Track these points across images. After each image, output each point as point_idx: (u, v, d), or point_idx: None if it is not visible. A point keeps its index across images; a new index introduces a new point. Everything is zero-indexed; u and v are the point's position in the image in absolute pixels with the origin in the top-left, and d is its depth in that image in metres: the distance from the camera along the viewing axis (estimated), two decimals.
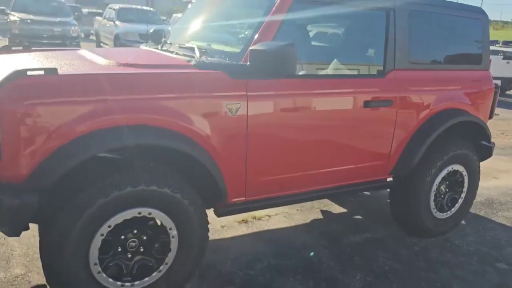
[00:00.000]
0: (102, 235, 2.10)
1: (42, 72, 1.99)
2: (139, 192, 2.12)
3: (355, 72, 3.11)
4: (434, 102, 3.23)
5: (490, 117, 3.77)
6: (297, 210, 3.89)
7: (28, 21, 12.24)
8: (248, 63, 2.38)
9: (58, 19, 12.52)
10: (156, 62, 2.58)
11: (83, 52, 2.88)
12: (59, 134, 1.97)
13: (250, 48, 2.36)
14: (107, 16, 15.27)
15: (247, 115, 2.44)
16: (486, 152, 3.66)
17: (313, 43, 3.37)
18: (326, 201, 4.11)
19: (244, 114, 2.43)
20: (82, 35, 22.13)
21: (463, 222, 3.91)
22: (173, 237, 2.31)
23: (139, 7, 16.28)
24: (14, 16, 12.50)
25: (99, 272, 2.14)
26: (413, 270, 3.06)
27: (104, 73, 2.20)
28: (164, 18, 21.84)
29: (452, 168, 3.41)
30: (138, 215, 2.17)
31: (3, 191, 1.93)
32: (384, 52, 3.01)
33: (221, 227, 3.44)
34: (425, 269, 3.08)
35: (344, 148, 2.90)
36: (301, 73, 2.73)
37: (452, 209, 3.55)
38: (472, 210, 4.18)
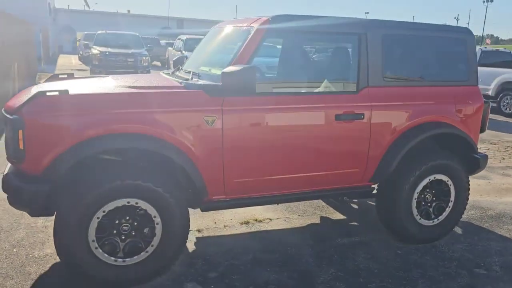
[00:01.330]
0: (98, 218, 2.71)
1: (57, 93, 2.69)
2: (127, 185, 2.72)
3: (333, 89, 3.51)
4: (412, 116, 3.52)
5: (482, 130, 3.93)
6: (298, 215, 4.28)
7: (107, 53, 13.84)
8: (221, 83, 2.92)
9: (131, 51, 13.99)
10: (154, 84, 3.20)
11: (107, 78, 3.59)
12: (67, 139, 2.63)
13: (222, 70, 2.90)
14: (176, 46, 16.67)
15: (222, 126, 2.96)
16: (474, 163, 3.82)
17: (293, 63, 3.83)
18: (328, 208, 4.46)
19: (220, 126, 2.96)
20: (159, 63, 24.09)
21: (459, 231, 4.06)
22: (157, 223, 2.86)
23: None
24: (95, 50, 14.20)
25: (96, 248, 2.75)
26: (386, 269, 3.32)
27: (103, 93, 2.86)
28: None
29: (435, 178, 3.63)
30: (127, 204, 2.76)
31: (25, 180, 2.63)
32: (357, 71, 3.39)
33: (224, 226, 3.95)
34: (398, 269, 3.34)
35: (316, 155, 3.29)
36: (274, 90, 3.21)
37: (440, 217, 3.75)
38: (477, 222, 4.30)
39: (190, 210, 3.49)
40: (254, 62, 3.12)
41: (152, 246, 2.89)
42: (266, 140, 3.13)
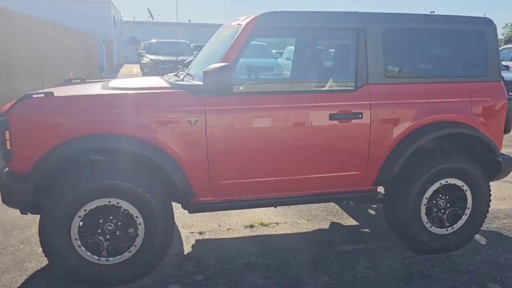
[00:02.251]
0: (80, 216, 2.77)
1: (42, 95, 2.79)
2: (106, 185, 2.75)
3: (330, 88, 3.35)
4: (419, 115, 3.26)
5: (507, 131, 3.56)
6: (308, 220, 4.13)
7: (157, 61, 14.38)
8: (202, 83, 2.88)
9: (180, 58, 14.41)
10: (144, 85, 3.23)
11: (110, 81, 3.68)
12: (50, 139, 2.72)
13: (203, 70, 2.86)
14: None
15: (206, 127, 2.92)
16: (495, 167, 3.47)
17: (288, 61, 3.70)
18: (341, 213, 4.26)
19: (203, 126, 2.92)
20: None
21: (483, 241, 3.71)
22: (139, 224, 2.87)
23: None
24: (147, 58, 14.80)
25: (79, 246, 2.80)
26: (385, 280, 3.09)
27: (85, 95, 2.93)
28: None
29: (447, 182, 3.34)
30: (108, 204, 2.80)
31: (13, 179, 2.74)
32: (355, 69, 3.20)
33: (227, 229, 3.89)
34: (399, 280, 3.09)
35: (309, 157, 3.14)
36: (261, 89, 3.11)
37: (455, 225, 3.44)
38: (508, 232, 3.91)
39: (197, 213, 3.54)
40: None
41: (135, 246, 2.90)
42: (253, 141, 3.04)
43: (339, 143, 3.19)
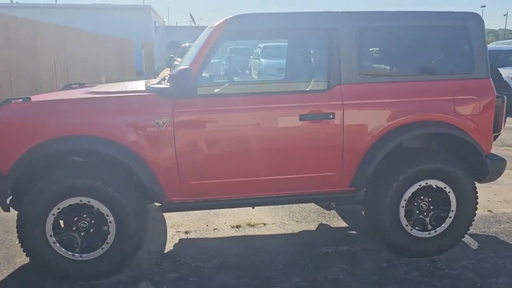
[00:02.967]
0: (53, 214, 2.92)
1: (20, 100, 2.97)
2: (77, 184, 2.89)
3: (301, 88, 3.33)
4: (396, 114, 3.18)
5: (496, 130, 3.39)
6: (296, 221, 4.11)
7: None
8: (169, 86, 2.96)
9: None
10: (120, 89, 3.35)
11: (96, 86, 3.85)
12: (25, 142, 2.89)
13: (169, 73, 2.94)
14: (255, 54, 17.04)
15: (174, 128, 3.00)
16: (481, 168, 3.32)
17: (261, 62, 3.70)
18: (333, 215, 4.21)
19: (171, 128, 2.99)
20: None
21: (474, 246, 3.56)
22: (110, 222, 2.99)
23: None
24: (176, 61, 15.16)
25: (54, 242, 2.96)
26: (357, 282, 3.04)
27: (59, 99, 3.09)
28: None
29: (427, 184, 3.23)
30: (80, 202, 2.93)
31: None
32: (328, 69, 3.17)
33: (213, 229, 3.95)
34: (372, 283, 3.03)
35: (279, 158, 3.14)
36: (231, 91, 3.15)
37: (438, 229, 3.32)
38: (506, 237, 3.73)
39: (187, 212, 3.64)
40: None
41: (107, 243, 3.01)
42: (221, 143, 3.08)
43: (311, 144, 3.16)
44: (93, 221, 3.01)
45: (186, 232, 3.89)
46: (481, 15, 3.44)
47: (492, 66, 3.74)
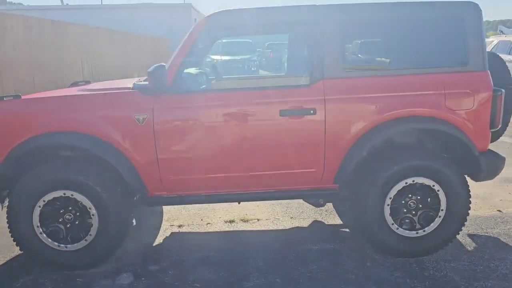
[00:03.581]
0: (39, 206, 3.06)
1: (11, 98, 3.13)
2: (59, 178, 3.02)
3: (284, 83, 3.29)
4: (381, 110, 3.07)
5: (493, 126, 3.19)
6: (291, 217, 4.08)
7: (219, 61, 14.85)
8: (148, 83, 3.02)
9: (240, 57, 14.75)
10: (110, 87, 3.44)
11: (93, 84, 3.97)
12: (16, 136, 3.04)
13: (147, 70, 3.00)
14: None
15: (153, 124, 3.05)
16: (473, 166, 3.15)
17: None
18: (330, 211, 4.14)
19: (151, 123, 3.05)
20: None
21: (470, 247, 3.40)
22: (93, 215, 3.09)
23: None
24: (209, 58, 15.36)
25: (41, 233, 3.10)
26: (333, 281, 2.97)
27: (46, 97, 3.22)
28: None
29: (414, 181, 3.11)
30: (63, 195, 3.06)
31: None
32: (310, 63, 3.12)
33: (207, 224, 4.00)
34: (349, 283, 2.95)
35: (259, 154, 3.12)
36: (216, 87, 3.16)
37: (427, 228, 3.19)
38: (507, 238, 3.52)
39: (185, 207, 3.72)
40: None
41: (90, 235, 3.13)
42: (200, 139, 3.10)
43: (292, 140, 3.12)
44: (78, 214, 3.13)
45: (180, 226, 3.95)
46: (478, 5, 3.24)
47: (497, 56, 3.55)
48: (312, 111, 3.06)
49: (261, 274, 3.09)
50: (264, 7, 3.14)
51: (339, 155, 3.14)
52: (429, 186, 3.13)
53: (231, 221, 4.02)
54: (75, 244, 3.14)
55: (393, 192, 3.13)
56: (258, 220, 4.04)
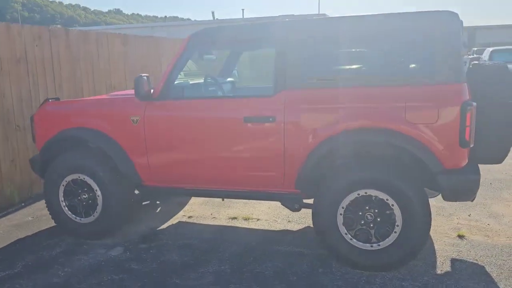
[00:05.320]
0: (63, 185, 3.93)
1: (51, 100, 4.08)
2: (75, 164, 3.84)
3: (251, 93, 3.57)
4: (337, 121, 3.16)
5: (462, 142, 2.98)
6: (288, 221, 4.29)
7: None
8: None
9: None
10: (121, 94, 4.15)
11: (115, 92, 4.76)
12: (54, 128, 3.96)
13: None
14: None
15: (144, 125, 3.67)
16: (433, 183, 3.01)
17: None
18: None
19: (142, 124, 3.68)
20: None
21: (440, 270, 3.21)
22: (98, 196, 3.84)
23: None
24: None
25: (64, 207, 3.97)
26: (273, 279, 3.16)
27: (77, 100, 4.07)
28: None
29: (366, 193, 3.11)
30: (78, 178, 3.87)
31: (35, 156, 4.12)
32: (274, 75, 3.37)
33: (212, 218, 4.46)
34: (284, 282, 3.11)
35: (225, 156, 3.47)
36: (188, 96, 3.64)
37: (381, 243, 3.14)
38: (495, 269, 3.25)
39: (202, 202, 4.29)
40: None
41: (96, 212, 3.88)
42: (177, 139, 3.58)
43: (254, 145, 3.40)
44: (91, 194, 3.91)
45: (189, 217, 4.49)
46: (457, 15, 3.07)
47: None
48: (271, 119, 3.31)
49: (219, 262, 3.44)
50: (237, 24, 3.50)
51: (298, 161, 3.31)
52: (383, 199, 3.09)
53: (234, 218, 4.41)
54: (87, 218, 3.93)
55: (345, 202, 3.17)
56: (258, 220, 4.35)
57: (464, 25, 3.15)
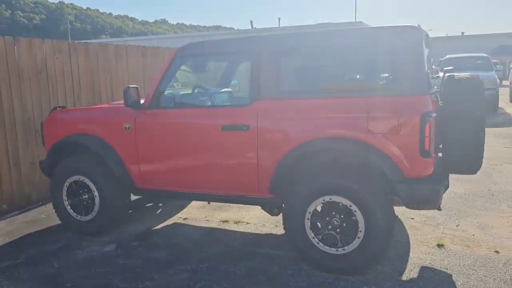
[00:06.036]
0: (66, 185, 4.31)
1: (59, 108, 4.49)
2: (76, 166, 4.21)
3: (229, 103, 3.81)
4: (306, 130, 3.34)
5: (423, 152, 3.08)
6: (276, 226, 4.46)
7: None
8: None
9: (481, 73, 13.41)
10: (116, 102, 4.49)
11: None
12: (61, 133, 4.36)
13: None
14: None
15: (135, 132, 3.99)
16: (394, 191, 3.12)
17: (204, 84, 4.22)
18: None
19: (134, 131, 4.00)
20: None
21: (407, 276, 3.30)
22: (96, 196, 4.19)
23: None
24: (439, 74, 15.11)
25: (67, 205, 4.36)
26: (243, 278, 3.35)
27: (77, 108, 4.45)
28: None
29: (331, 199, 3.26)
30: (79, 179, 4.24)
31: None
32: (250, 86, 3.59)
33: (205, 220, 4.71)
34: (252, 281, 3.30)
35: (205, 161, 3.72)
36: (175, 105, 3.92)
37: (346, 247, 3.28)
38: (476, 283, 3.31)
39: (200, 206, 4.57)
40: None
41: (94, 211, 4.23)
42: (163, 145, 3.87)
43: (230, 152, 3.63)
44: (90, 194, 4.27)
45: (185, 219, 4.76)
46: (419, 28, 3.19)
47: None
48: (245, 127, 3.53)
49: (199, 261, 3.68)
50: (218, 39, 3.76)
51: (270, 167, 3.50)
52: (347, 206, 3.23)
53: (225, 221, 4.64)
54: (86, 216, 4.29)
55: (312, 208, 3.34)
56: (247, 223, 4.56)
57: None
